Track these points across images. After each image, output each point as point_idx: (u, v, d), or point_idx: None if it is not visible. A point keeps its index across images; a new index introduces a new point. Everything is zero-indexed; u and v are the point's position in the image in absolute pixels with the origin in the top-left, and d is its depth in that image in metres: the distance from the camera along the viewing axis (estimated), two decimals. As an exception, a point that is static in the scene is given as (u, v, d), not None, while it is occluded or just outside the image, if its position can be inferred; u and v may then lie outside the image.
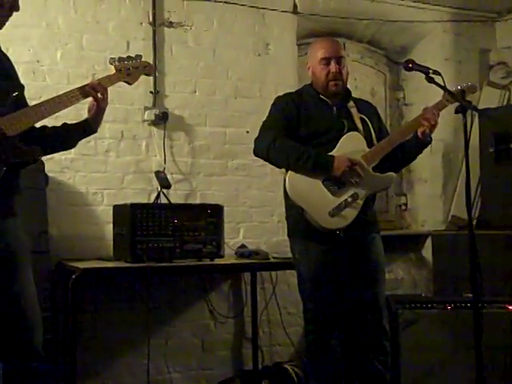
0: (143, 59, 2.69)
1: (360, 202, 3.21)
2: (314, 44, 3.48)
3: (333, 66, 3.26)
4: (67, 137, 2.57)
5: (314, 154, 3.15)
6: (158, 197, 4.19)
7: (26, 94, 2.56)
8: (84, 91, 2.46)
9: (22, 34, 3.97)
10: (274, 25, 4.71)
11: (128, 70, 2.59)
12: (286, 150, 3.16)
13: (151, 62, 4.00)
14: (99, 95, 2.47)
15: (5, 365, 2.38)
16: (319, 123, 3.26)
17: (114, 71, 2.58)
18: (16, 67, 2.55)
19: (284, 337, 4.52)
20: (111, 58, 2.59)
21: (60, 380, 3.67)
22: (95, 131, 2.58)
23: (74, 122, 2.58)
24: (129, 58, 2.61)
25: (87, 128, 2.56)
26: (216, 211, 3.85)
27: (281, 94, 3.48)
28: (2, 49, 2.50)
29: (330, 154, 3.18)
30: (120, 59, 2.59)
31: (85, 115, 2.61)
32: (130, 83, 2.62)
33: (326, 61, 3.27)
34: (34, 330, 2.42)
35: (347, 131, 3.25)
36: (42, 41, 4.09)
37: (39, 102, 2.41)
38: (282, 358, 4.52)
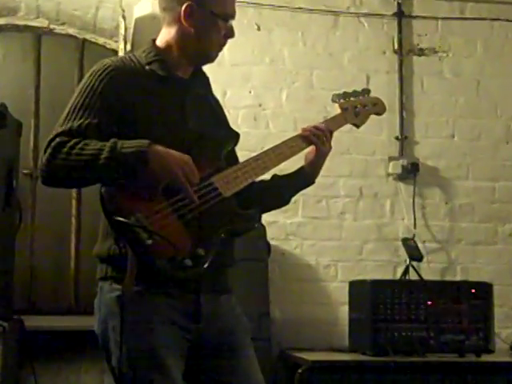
0: (373, 94, 2.49)
1: None
2: None
3: None
4: (279, 192, 2.39)
5: None
6: (406, 271, 3.97)
7: (246, 143, 2.63)
8: (307, 138, 2.31)
9: (241, 74, 4.05)
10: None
11: (355, 108, 2.44)
12: None
13: (397, 99, 4.16)
14: (323, 140, 2.34)
15: None
16: None
17: (340, 111, 2.43)
18: (236, 113, 2.86)
19: None
20: (334, 95, 2.45)
21: None
22: (313, 182, 2.40)
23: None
24: (355, 92, 2.46)
25: (304, 179, 2.37)
26: (483, 291, 3.63)
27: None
28: (218, 91, 2.51)
29: None
30: (345, 95, 2.44)
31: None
32: (357, 126, 2.45)
33: None
34: None
35: None
36: (265, 80, 4.13)
37: (259, 153, 2.28)
38: None
